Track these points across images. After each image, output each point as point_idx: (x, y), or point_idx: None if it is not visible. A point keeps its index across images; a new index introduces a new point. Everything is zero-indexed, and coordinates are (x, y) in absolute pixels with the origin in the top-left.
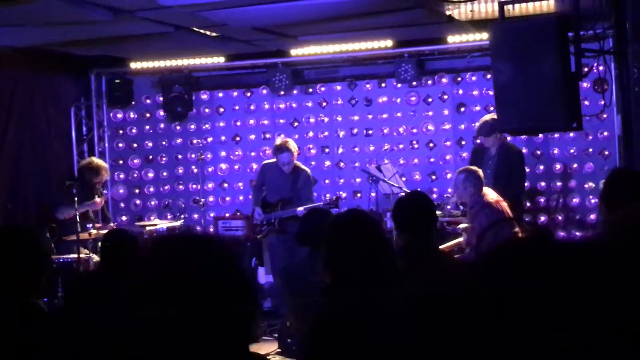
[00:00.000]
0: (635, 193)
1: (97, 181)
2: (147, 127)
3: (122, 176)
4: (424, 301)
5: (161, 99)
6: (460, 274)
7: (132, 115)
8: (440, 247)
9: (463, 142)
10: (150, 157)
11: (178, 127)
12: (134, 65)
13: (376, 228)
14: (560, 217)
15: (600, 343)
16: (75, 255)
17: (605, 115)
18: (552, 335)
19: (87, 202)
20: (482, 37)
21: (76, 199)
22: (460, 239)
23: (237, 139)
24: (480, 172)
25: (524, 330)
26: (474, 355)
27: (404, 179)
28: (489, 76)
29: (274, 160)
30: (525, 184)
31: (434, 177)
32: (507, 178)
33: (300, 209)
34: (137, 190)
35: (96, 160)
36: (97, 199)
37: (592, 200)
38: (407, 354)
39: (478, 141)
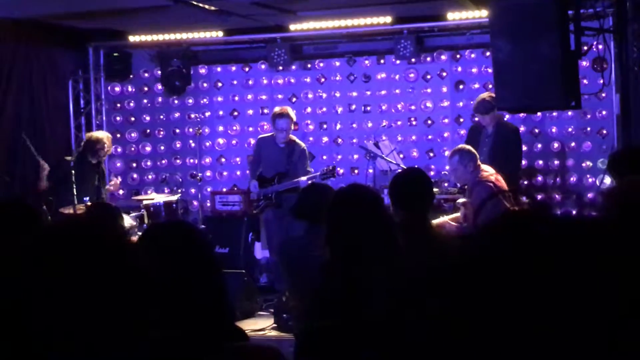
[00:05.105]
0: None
1: (99, 147)
2: (145, 100)
3: (119, 150)
4: (423, 276)
5: (159, 72)
6: (458, 248)
7: (130, 89)
8: (436, 220)
9: (461, 120)
10: (148, 131)
11: (176, 101)
12: (133, 38)
13: (378, 203)
14: (557, 196)
15: (595, 311)
16: None
17: (604, 94)
18: (548, 306)
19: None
20: (481, 14)
21: (74, 179)
22: (458, 214)
23: (235, 113)
24: (471, 147)
25: (521, 302)
26: (473, 326)
27: (401, 155)
28: (488, 54)
29: (270, 134)
30: (522, 162)
31: (431, 154)
32: (504, 156)
33: (303, 178)
34: (134, 164)
35: (95, 133)
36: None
37: (590, 179)
38: (406, 328)
39: (476, 119)
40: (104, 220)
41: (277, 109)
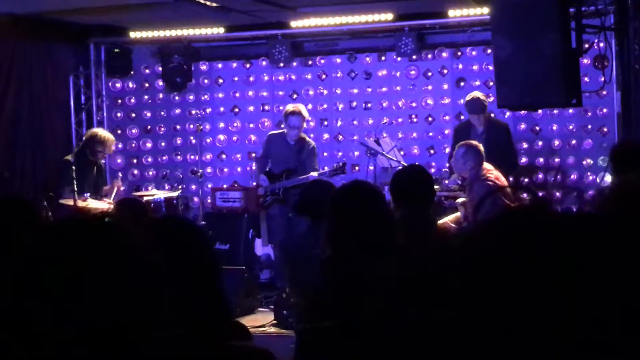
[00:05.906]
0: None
1: (100, 149)
2: (146, 97)
3: (120, 146)
4: (424, 273)
5: (160, 69)
6: (458, 245)
7: (130, 85)
8: (439, 222)
9: (462, 117)
10: (149, 127)
11: (177, 98)
12: (134, 34)
13: (379, 200)
14: (557, 194)
15: (595, 307)
16: None
17: (604, 92)
18: (548, 304)
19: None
20: (482, 11)
21: (74, 175)
22: (458, 214)
23: (236, 110)
24: (480, 146)
25: (519, 300)
26: (471, 325)
27: (402, 152)
28: (489, 51)
29: (280, 131)
30: (522, 159)
31: (432, 151)
32: (499, 153)
33: (314, 174)
34: (135, 160)
35: (101, 132)
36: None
37: (590, 177)
38: (408, 328)
39: (476, 117)
40: (109, 219)
41: (290, 107)
